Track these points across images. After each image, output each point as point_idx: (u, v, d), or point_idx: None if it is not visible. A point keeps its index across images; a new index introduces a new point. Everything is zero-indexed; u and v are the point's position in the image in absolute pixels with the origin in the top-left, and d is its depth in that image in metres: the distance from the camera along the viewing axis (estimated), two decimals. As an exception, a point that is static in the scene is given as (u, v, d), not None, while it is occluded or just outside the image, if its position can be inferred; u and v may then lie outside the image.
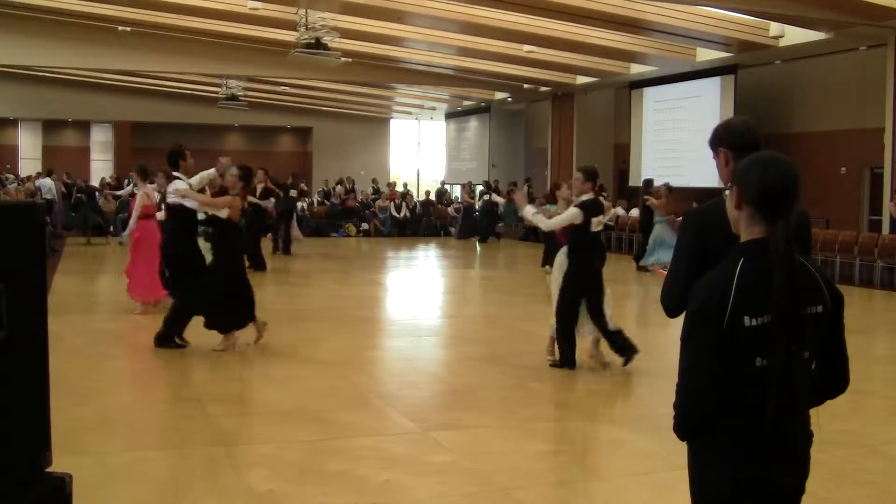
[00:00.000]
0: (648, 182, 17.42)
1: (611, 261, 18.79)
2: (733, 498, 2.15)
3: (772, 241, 2.08)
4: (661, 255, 15.08)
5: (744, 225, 2.18)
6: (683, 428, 2.19)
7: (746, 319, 2.06)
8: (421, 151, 35.78)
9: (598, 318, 7.20)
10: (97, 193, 23.48)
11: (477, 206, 25.47)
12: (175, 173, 8.16)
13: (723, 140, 2.77)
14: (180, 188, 7.93)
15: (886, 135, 15.67)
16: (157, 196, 10.51)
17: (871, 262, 14.72)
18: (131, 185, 17.58)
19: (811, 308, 2.14)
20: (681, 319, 2.66)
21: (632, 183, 23.54)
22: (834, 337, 2.23)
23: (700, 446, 2.23)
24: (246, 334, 8.01)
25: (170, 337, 7.89)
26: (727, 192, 2.34)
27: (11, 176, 25.77)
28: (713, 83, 20.02)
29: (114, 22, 19.43)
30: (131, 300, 10.23)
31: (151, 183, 10.94)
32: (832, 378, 2.26)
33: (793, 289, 2.04)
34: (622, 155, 24.47)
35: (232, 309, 7.79)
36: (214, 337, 7.91)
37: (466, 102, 30.71)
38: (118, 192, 21.57)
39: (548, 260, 15.73)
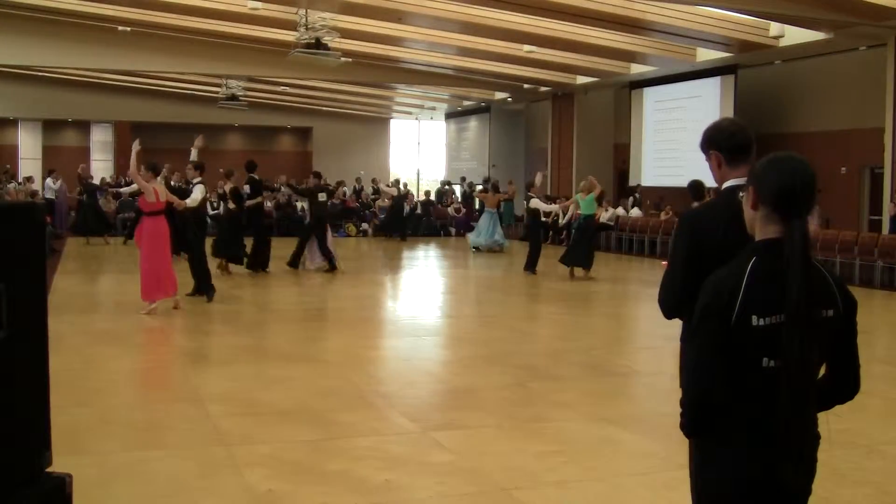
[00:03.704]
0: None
1: (609, 260, 18.90)
2: (735, 498, 2.14)
3: (787, 240, 2.06)
4: (481, 240, 20.15)
5: (759, 225, 2.17)
6: (689, 425, 2.18)
7: (754, 318, 2.05)
8: (421, 151, 35.78)
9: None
10: (98, 193, 23.29)
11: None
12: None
13: (713, 142, 2.78)
14: None
15: (886, 135, 15.67)
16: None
17: (871, 262, 14.72)
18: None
19: (823, 311, 2.12)
20: (680, 321, 2.67)
21: (632, 182, 23.55)
22: (846, 341, 2.22)
23: (703, 444, 2.22)
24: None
25: None
26: (742, 194, 2.33)
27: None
28: (713, 83, 20.02)
29: (114, 22, 19.43)
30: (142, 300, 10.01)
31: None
32: (843, 382, 2.25)
33: (807, 289, 2.03)
34: (622, 155, 24.46)
35: None
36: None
37: (466, 102, 30.70)
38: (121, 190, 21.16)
39: (531, 265, 15.67)
